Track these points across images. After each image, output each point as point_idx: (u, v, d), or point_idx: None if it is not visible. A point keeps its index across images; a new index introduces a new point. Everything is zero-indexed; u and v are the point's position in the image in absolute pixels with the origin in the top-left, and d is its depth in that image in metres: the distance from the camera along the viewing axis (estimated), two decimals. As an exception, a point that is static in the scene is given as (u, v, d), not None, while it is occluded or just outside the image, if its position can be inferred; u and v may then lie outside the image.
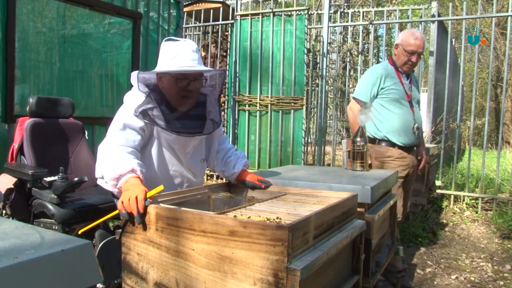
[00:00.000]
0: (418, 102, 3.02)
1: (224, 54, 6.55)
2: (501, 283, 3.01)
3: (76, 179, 2.19)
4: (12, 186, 2.30)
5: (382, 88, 2.82)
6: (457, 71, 7.31)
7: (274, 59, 5.47)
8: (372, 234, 1.84)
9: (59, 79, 3.72)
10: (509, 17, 4.66)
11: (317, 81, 6.07)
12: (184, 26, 5.36)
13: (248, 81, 5.62)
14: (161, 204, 1.47)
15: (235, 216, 1.31)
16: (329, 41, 5.75)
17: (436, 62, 5.29)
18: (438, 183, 5.04)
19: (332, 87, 6.97)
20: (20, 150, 2.57)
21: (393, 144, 2.84)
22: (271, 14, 5.44)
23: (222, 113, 5.96)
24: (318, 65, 5.96)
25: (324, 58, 5.34)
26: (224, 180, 2.14)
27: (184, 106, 1.86)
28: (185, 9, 6.20)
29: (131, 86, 1.87)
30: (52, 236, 0.99)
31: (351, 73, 7.15)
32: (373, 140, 2.89)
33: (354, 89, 3.33)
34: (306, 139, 5.51)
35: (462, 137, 9.05)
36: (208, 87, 1.98)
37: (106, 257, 1.98)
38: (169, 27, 4.69)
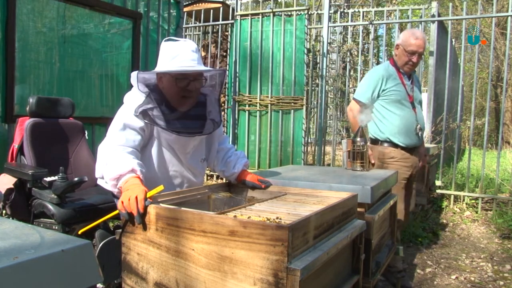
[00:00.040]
0: (420, 103, 3.01)
1: (224, 54, 6.55)
2: (501, 283, 3.01)
3: (76, 179, 2.19)
4: (12, 186, 2.30)
5: (383, 90, 2.81)
6: (457, 71, 7.31)
7: (274, 59, 5.47)
8: (372, 234, 1.84)
9: (59, 79, 3.72)
10: (509, 17, 4.66)
11: (317, 81, 6.07)
12: (184, 26, 5.36)
13: (248, 81, 5.62)
14: (161, 204, 1.47)
15: (235, 216, 1.31)
16: (329, 41, 5.75)
17: (436, 62, 5.29)
18: (438, 183, 5.04)
19: (332, 87, 6.97)
20: (20, 150, 2.56)
21: (395, 146, 2.83)
22: (271, 14, 5.44)
23: (222, 113, 5.96)
24: (318, 65, 5.96)
25: (324, 58, 5.34)
26: (224, 180, 2.14)
27: (184, 106, 1.86)
28: (185, 9, 6.20)
29: (131, 86, 1.87)
30: (52, 236, 0.99)
31: (351, 73, 7.16)
32: (375, 141, 2.89)
33: (354, 89, 3.33)
34: (306, 139, 5.51)
35: (462, 137, 9.04)
36: (208, 87, 1.98)
37: (106, 257, 1.98)
38: (169, 27, 4.69)
